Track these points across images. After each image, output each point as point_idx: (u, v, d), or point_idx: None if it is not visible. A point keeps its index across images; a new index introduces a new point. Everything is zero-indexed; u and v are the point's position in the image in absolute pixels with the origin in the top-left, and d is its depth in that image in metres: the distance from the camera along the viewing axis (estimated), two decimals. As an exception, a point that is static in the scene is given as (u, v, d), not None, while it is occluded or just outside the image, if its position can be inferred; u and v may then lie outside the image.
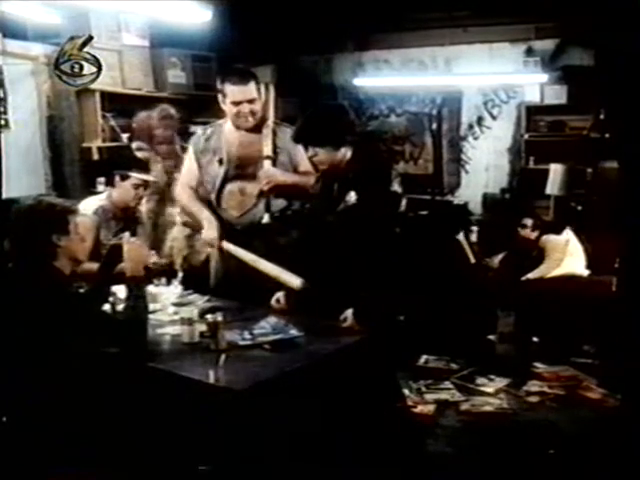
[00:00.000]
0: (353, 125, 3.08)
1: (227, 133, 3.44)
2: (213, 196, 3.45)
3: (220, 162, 3.41)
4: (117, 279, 2.61)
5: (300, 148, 3.40)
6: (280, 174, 3.34)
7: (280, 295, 3.06)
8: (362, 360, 2.64)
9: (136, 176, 3.67)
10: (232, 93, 3.29)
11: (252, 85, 3.30)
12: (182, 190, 3.58)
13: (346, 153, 2.98)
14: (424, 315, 4.57)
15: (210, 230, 3.38)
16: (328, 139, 2.93)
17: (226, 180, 3.42)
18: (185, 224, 3.78)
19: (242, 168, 3.41)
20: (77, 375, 2.20)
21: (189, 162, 3.57)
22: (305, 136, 2.98)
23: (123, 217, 3.74)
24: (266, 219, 3.34)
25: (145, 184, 3.72)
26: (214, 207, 3.46)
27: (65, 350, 2.18)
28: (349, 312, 2.88)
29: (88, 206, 3.64)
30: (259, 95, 3.34)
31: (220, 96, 3.35)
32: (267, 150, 3.33)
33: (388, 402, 2.81)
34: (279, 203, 3.40)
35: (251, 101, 3.30)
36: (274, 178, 3.30)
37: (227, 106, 3.33)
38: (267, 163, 3.31)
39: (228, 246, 3.33)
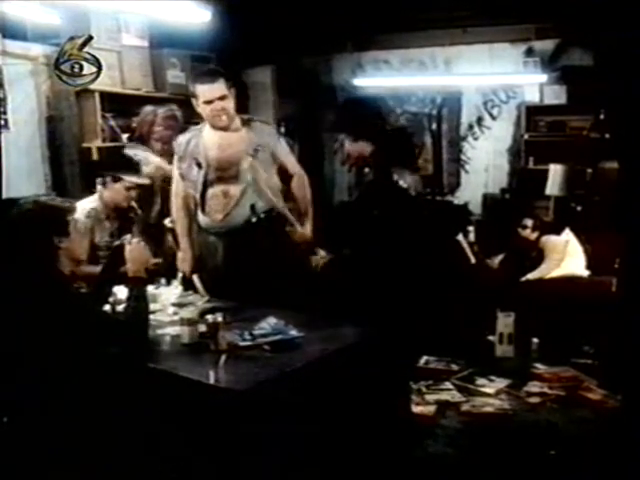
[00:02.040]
0: (371, 120, 3.16)
1: (205, 136, 3.47)
2: (197, 201, 3.48)
3: (199, 166, 3.44)
4: (119, 280, 2.62)
5: (283, 144, 3.46)
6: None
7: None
8: (362, 360, 2.64)
9: (128, 179, 3.67)
10: (202, 92, 3.33)
11: (221, 82, 3.33)
12: (173, 201, 3.67)
13: (364, 146, 3.12)
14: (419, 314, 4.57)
15: (184, 261, 3.55)
16: (343, 128, 3.23)
17: (207, 184, 3.44)
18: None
19: (223, 170, 3.43)
20: (78, 376, 2.19)
21: (175, 171, 3.63)
22: (331, 125, 3.22)
23: (117, 217, 3.74)
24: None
25: (137, 187, 3.71)
26: (198, 213, 3.51)
27: (66, 351, 2.18)
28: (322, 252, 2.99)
29: (80, 209, 3.64)
30: (230, 93, 3.35)
31: (194, 100, 3.39)
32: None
33: (391, 402, 2.80)
34: (264, 204, 3.43)
35: (222, 98, 3.32)
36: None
37: (201, 107, 3.37)
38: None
39: (195, 280, 3.38)
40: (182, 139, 3.57)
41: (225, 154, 3.41)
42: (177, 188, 3.63)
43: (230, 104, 3.36)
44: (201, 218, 3.52)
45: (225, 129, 3.39)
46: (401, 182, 3.17)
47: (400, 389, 3.01)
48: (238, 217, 3.40)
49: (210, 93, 3.31)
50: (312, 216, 3.52)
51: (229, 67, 3.93)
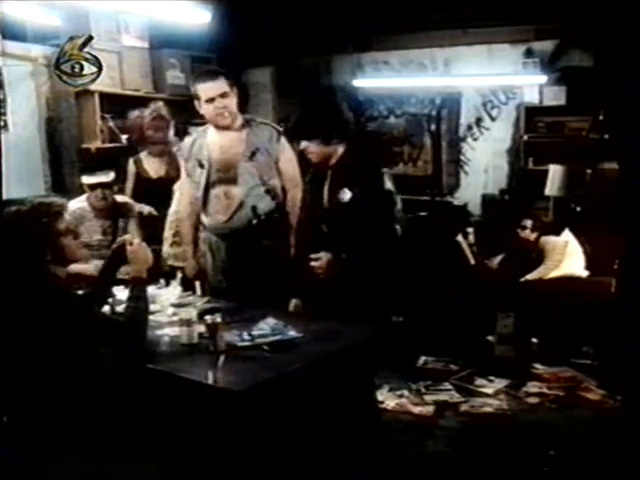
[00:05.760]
0: (343, 123, 3.21)
1: (209, 138, 3.49)
2: (200, 202, 3.49)
3: (201, 166, 3.46)
4: (119, 280, 2.62)
5: (285, 149, 3.44)
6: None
7: (297, 301, 3.12)
8: (362, 361, 2.64)
9: (85, 180, 3.72)
10: (204, 91, 3.34)
11: (222, 80, 3.34)
12: (179, 201, 3.72)
13: (337, 148, 3.19)
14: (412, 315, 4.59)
15: (189, 269, 3.60)
16: (317, 134, 3.22)
17: (209, 185, 3.46)
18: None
19: (224, 172, 3.44)
20: (77, 376, 2.20)
21: (182, 171, 3.65)
22: (297, 131, 3.33)
23: (104, 217, 3.77)
24: None
25: (100, 185, 3.71)
26: (202, 214, 3.53)
27: (65, 351, 2.18)
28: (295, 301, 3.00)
29: (70, 209, 3.67)
30: (232, 91, 3.36)
31: (196, 101, 3.40)
32: None
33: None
34: (265, 206, 3.42)
35: (223, 95, 3.33)
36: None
37: (203, 108, 3.38)
38: None
39: (196, 282, 3.39)
40: (187, 141, 3.60)
41: (226, 156, 3.43)
42: (182, 188, 3.67)
43: (232, 102, 3.37)
44: (204, 219, 3.54)
45: (228, 128, 3.40)
46: (388, 185, 3.20)
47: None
48: (241, 219, 3.41)
49: (212, 91, 3.31)
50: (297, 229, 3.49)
51: (229, 67, 3.93)
